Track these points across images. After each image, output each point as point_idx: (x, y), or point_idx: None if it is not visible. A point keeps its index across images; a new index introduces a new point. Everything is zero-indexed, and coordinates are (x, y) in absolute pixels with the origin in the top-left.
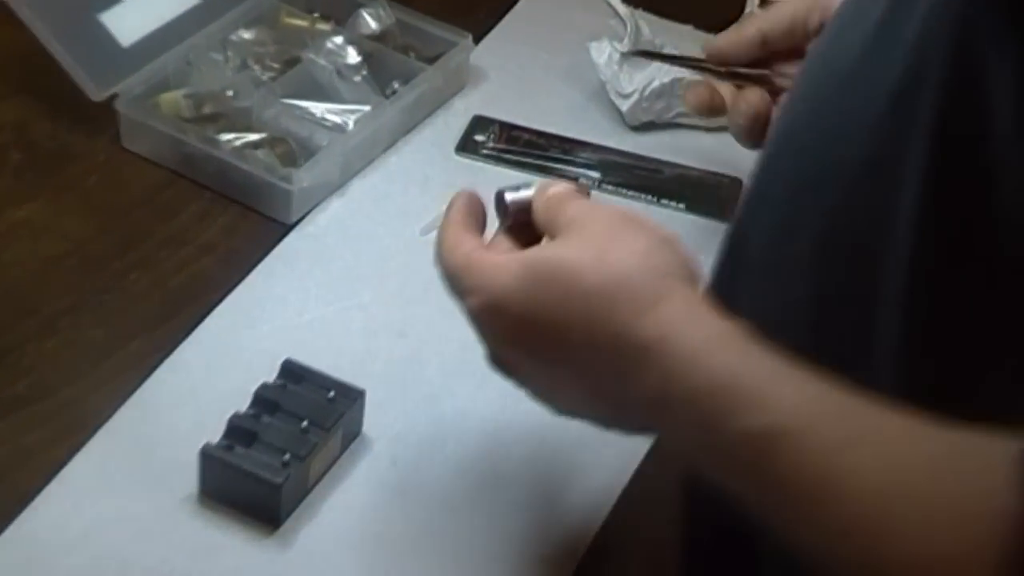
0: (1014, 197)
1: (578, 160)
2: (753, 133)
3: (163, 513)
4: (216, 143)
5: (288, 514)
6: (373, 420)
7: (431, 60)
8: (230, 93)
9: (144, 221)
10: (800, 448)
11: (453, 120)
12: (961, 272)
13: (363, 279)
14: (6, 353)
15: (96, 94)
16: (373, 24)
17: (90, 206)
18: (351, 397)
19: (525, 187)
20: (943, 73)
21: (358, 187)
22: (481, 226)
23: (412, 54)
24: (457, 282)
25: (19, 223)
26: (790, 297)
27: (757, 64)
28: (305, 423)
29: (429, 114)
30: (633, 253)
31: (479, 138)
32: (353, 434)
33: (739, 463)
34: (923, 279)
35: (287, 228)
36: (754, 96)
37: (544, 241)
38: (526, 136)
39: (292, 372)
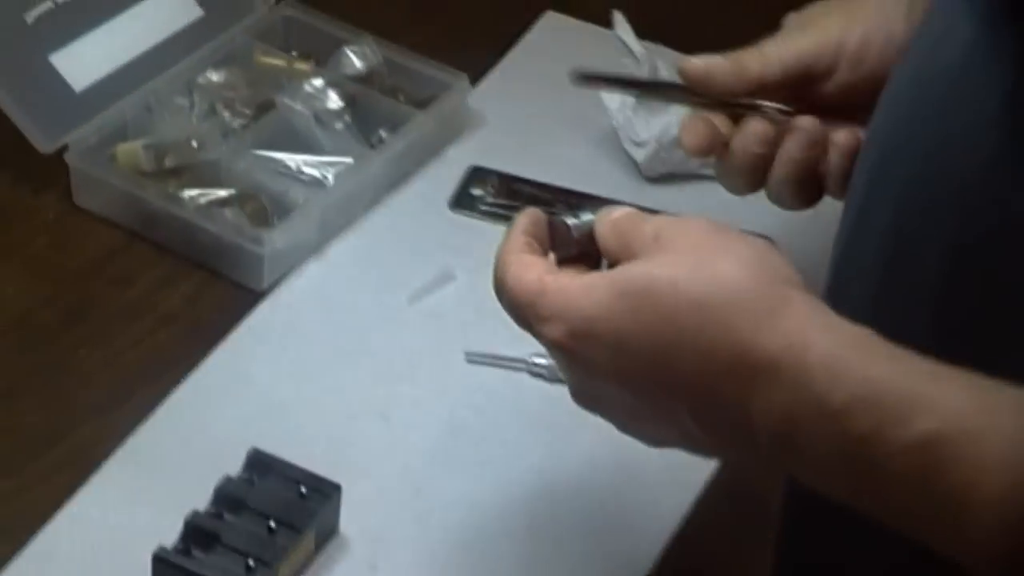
0: None
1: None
2: (757, 172)
3: None
4: (179, 200)
5: None
6: (351, 517)
7: (422, 104)
8: (195, 143)
9: (97, 289)
10: (979, 453)
11: (447, 172)
12: None
13: (342, 355)
14: None
15: (44, 145)
16: (358, 63)
17: (35, 271)
18: (325, 492)
19: (574, 216)
20: None
21: (339, 249)
22: (545, 249)
23: (401, 97)
24: (531, 310)
25: None
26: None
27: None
28: (273, 523)
29: (420, 165)
30: (739, 260)
31: (476, 192)
32: (328, 533)
33: (899, 481)
34: None
35: (258, 296)
36: (761, 127)
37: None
38: (529, 190)
39: (259, 463)
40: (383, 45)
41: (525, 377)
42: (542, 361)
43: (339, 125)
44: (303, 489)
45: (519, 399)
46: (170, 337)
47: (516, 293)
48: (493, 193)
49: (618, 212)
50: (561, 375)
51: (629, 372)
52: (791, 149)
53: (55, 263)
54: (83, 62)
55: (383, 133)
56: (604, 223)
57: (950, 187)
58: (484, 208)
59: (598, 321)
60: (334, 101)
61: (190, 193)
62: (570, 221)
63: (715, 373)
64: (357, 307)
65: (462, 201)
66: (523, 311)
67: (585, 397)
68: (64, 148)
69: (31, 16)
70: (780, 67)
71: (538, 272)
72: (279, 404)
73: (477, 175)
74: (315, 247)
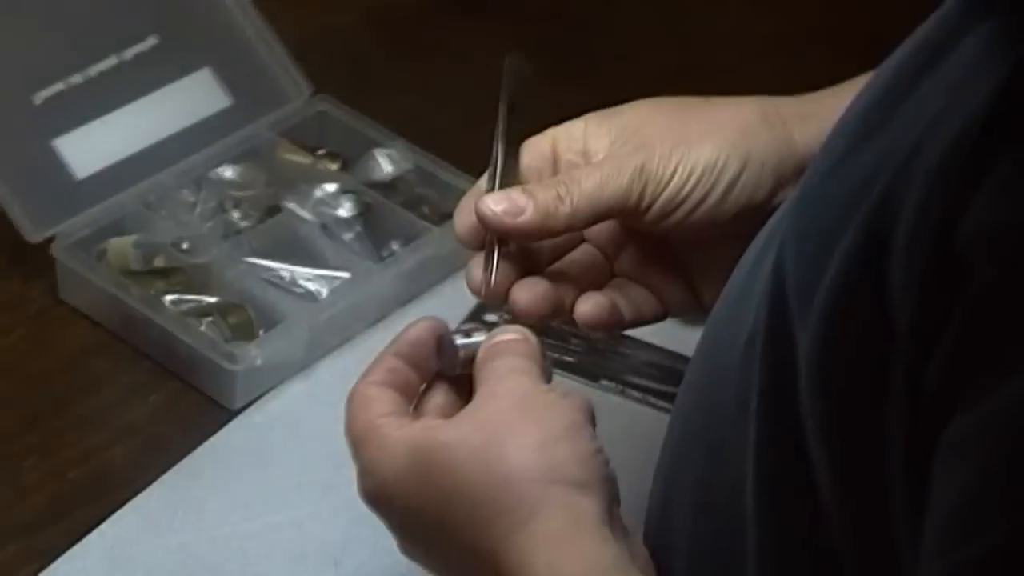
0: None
1: (619, 358)
2: None
3: None
4: (158, 305)
5: None
6: None
7: (445, 218)
8: (186, 245)
9: (62, 393)
10: None
11: (462, 293)
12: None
13: (305, 488)
14: None
15: (32, 234)
16: (386, 168)
17: (3, 369)
18: None
19: (466, 336)
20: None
21: (328, 369)
22: (421, 373)
23: (425, 208)
24: (354, 455)
25: None
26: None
27: None
28: None
29: (435, 283)
30: (523, 448)
31: (491, 318)
32: None
33: None
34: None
35: (231, 414)
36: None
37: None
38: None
39: None
40: (416, 151)
41: None
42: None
43: (348, 235)
44: None
45: None
46: (124, 453)
47: (347, 431)
48: (508, 320)
49: (499, 337)
50: None
51: (419, 537)
52: None
53: (25, 362)
54: (90, 148)
55: (395, 246)
56: (484, 346)
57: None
58: None
59: (392, 485)
60: (347, 209)
61: (171, 298)
62: (459, 341)
63: (478, 563)
64: (333, 436)
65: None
66: (351, 451)
67: (401, 549)
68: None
69: (39, 97)
70: (590, 210)
71: (371, 415)
72: (225, 537)
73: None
74: (301, 365)
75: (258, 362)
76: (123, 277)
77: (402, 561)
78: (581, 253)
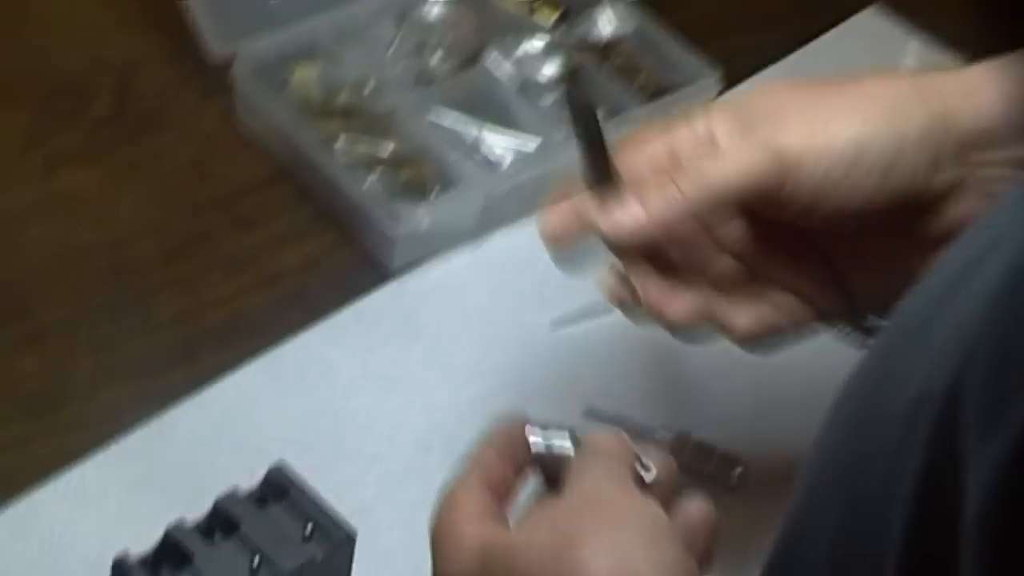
0: None
1: None
2: None
3: None
4: (328, 148)
5: None
6: (370, 565)
7: (660, 92)
8: (372, 84)
9: (215, 226)
10: None
11: None
12: None
13: (448, 371)
14: None
15: (216, 49)
16: (606, 28)
17: (161, 191)
18: (335, 539)
19: (559, 434)
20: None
21: (499, 244)
22: (515, 472)
23: (641, 78)
24: (433, 549)
25: (68, 193)
26: None
27: None
28: (258, 559)
29: None
30: (598, 553)
31: None
32: None
33: None
34: None
35: (385, 276)
36: None
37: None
38: None
39: (278, 484)
40: (641, 13)
41: None
42: (667, 438)
43: (547, 100)
44: (308, 528)
45: None
46: (265, 302)
47: (432, 524)
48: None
49: (599, 443)
50: None
51: None
52: None
53: (184, 186)
54: None
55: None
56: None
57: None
58: None
59: None
60: (551, 69)
61: (344, 143)
62: (540, 440)
63: None
64: (486, 318)
65: None
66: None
67: None
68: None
69: None
70: (715, 201)
71: (459, 515)
72: (350, 411)
73: None
74: (470, 235)
75: (424, 226)
76: (300, 111)
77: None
78: (713, 261)
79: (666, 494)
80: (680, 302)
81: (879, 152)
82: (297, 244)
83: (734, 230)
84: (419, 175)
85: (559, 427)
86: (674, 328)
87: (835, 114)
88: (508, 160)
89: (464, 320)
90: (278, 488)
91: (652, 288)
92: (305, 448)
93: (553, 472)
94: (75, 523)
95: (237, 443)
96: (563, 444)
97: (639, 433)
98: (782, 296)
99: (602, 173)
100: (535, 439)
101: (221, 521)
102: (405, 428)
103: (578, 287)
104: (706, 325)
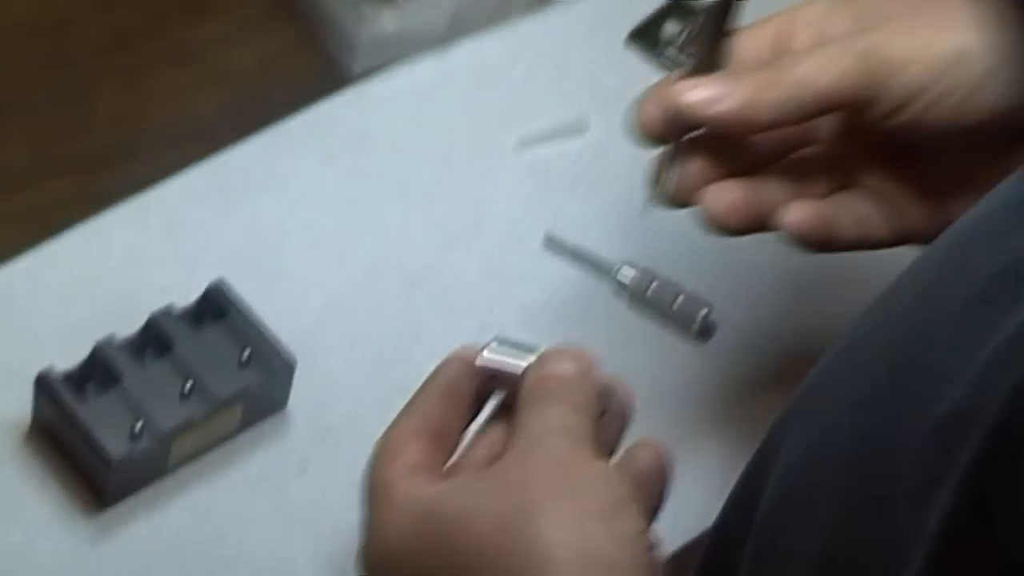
0: None
1: None
2: None
3: None
4: None
5: (125, 494)
6: (309, 397)
7: None
8: None
9: (165, 15)
10: None
11: None
12: None
13: (404, 191)
14: None
15: None
16: None
17: None
18: (272, 367)
19: (521, 350)
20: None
21: (468, 50)
22: (460, 416)
23: None
24: (365, 503)
25: None
26: None
27: None
28: (190, 384)
29: None
30: (557, 524)
31: (669, 31)
32: (265, 411)
33: None
34: None
35: (343, 81)
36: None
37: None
38: None
39: (216, 302)
40: None
41: (600, 291)
42: (629, 274)
43: None
44: (246, 353)
45: (585, 314)
46: (216, 101)
47: (369, 476)
48: (691, 40)
49: (545, 376)
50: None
51: None
52: None
53: None
54: None
55: None
56: (530, 374)
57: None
58: (669, 56)
59: (394, 555)
60: None
61: None
62: (494, 357)
63: None
64: (448, 133)
65: (645, 36)
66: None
67: None
68: None
69: None
70: (802, 99)
71: (397, 466)
72: (299, 228)
73: (678, 8)
74: (438, 41)
75: (389, 28)
76: None
77: (489, 303)
78: (799, 156)
79: (619, 432)
80: (731, 195)
81: (982, 64)
82: (252, 39)
83: (823, 123)
84: None
85: (527, 347)
86: (717, 222)
87: (942, 21)
88: None
89: (424, 134)
90: (216, 307)
91: (703, 175)
92: (247, 264)
93: (507, 396)
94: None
95: (175, 254)
96: (516, 363)
97: (599, 268)
98: (863, 204)
99: (711, 58)
100: (488, 355)
101: (154, 339)
102: (354, 249)
103: (548, 105)
104: (752, 225)
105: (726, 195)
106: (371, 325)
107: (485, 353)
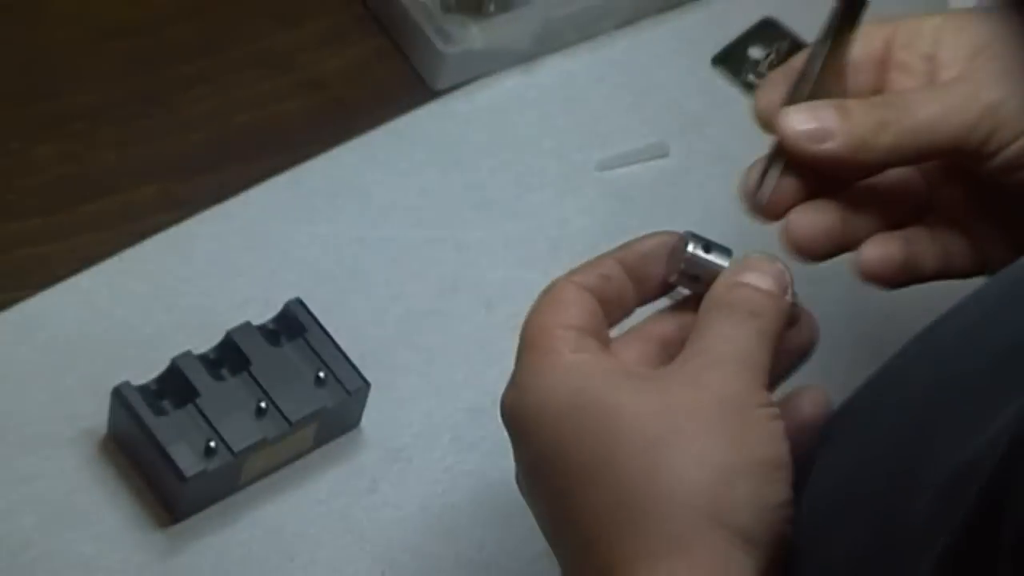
0: None
1: None
2: None
3: (57, 438)
4: None
5: (197, 509)
6: (382, 412)
7: None
8: None
9: (255, 18)
10: None
11: (730, 15)
12: None
13: (486, 205)
14: None
15: None
16: None
17: None
18: (347, 388)
19: (721, 253)
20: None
21: (553, 67)
22: (641, 292)
23: None
24: (517, 356)
25: None
26: None
27: None
28: (265, 403)
29: None
30: (701, 465)
31: (754, 54)
32: (340, 430)
33: None
34: None
35: (430, 95)
36: None
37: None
38: None
39: (294, 320)
40: None
41: None
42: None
43: None
44: (322, 373)
45: None
46: (300, 109)
47: (524, 325)
48: (775, 61)
49: (737, 282)
50: None
51: (534, 483)
52: None
53: None
54: None
55: None
56: (724, 278)
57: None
58: (754, 78)
59: (540, 414)
60: None
61: None
62: (690, 249)
63: (582, 563)
64: (530, 150)
65: (730, 59)
66: (519, 349)
67: (518, 479)
68: None
69: None
70: (918, 146)
71: (555, 321)
72: (379, 241)
73: (765, 31)
74: (524, 57)
75: (476, 44)
76: None
77: None
78: (894, 178)
79: (793, 364)
80: (815, 220)
81: None
82: (339, 48)
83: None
84: None
85: (722, 248)
86: (800, 249)
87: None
88: None
89: (507, 150)
90: (294, 325)
91: (797, 190)
92: (325, 277)
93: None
94: (79, 333)
95: (255, 265)
96: (718, 262)
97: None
98: (949, 236)
99: (825, 63)
100: (692, 250)
101: (231, 355)
102: (433, 265)
103: (631, 125)
104: (832, 253)
105: (814, 218)
106: (446, 344)
107: (690, 248)
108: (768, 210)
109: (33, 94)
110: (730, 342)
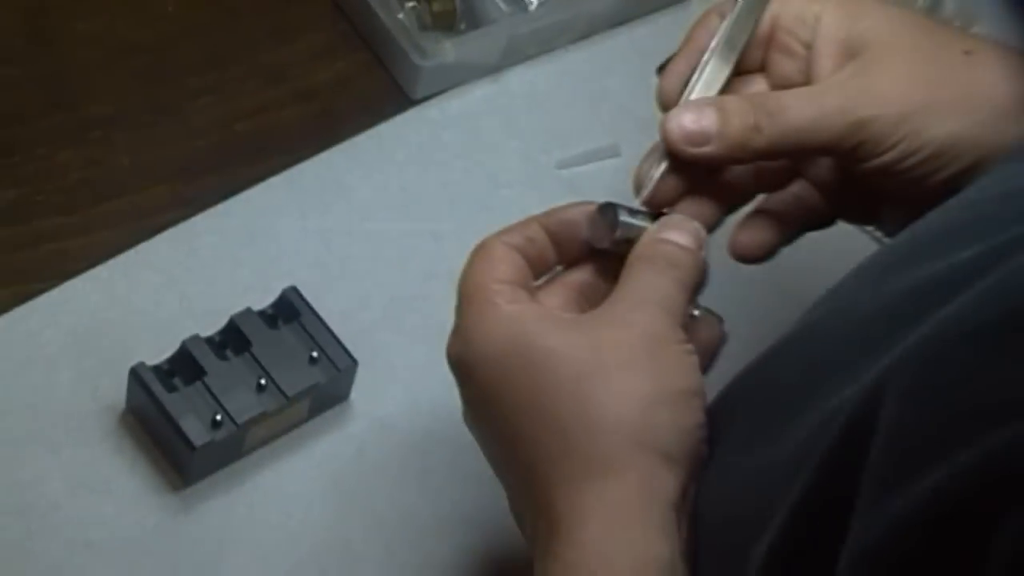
0: None
1: None
2: None
3: (81, 413)
4: None
5: (205, 475)
6: (368, 386)
7: None
8: None
9: (254, 36)
10: None
11: (675, 28)
12: None
13: (462, 200)
14: (9, 148)
15: None
16: None
17: None
18: (337, 365)
19: (642, 215)
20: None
21: (518, 76)
22: (561, 254)
23: None
24: (456, 310)
25: None
26: None
27: None
28: (265, 380)
29: (657, 8)
30: (626, 397)
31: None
32: (333, 401)
33: None
34: None
35: (409, 102)
36: None
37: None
38: None
39: (290, 306)
40: None
41: None
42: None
43: None
44: (315, 353)
45: None
46: (295, 115)
47: (460, 282)
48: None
49: (661, 239)
50: None
51: (480, 420)
52: None
53: None
54: None
55: None
56: (647, 237)
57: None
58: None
59: (481, 360)
60: None
61: None
62: (621, 217)
63: (525, 488)
64: (498, 152)
65: None
66: (458, 302)
67: (465, 418)
68: None
69: None
70: (789, 147)
71: (489, 277)
72: (356, 236)
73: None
74: (492, 69)
75: (449, 58)
76: None
77: None
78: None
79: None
80: (759, 238)
81: (963, 162)
82: (329, 62)
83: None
84: (450, 8)
85: (646, 214)
86: (747, 260)
87: (936, 109)
88: (536, 1)
89: (477, 152)
90: (290, 310)
91: (676, 186)
92: (317, 268)
93: (623, 253)
94: (99, 319)
95: (255, 257)
96: (645, 224)
97: None
98: (807, 194)
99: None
100: (624, 217)
101: (234, 338)
102: (413, 255)
103: (585, 129)
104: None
105: (755, 238)
106: (425, 325)
107: (623, 217)
108: (654, 202)
109: (57, 106)
110: (653, 288)
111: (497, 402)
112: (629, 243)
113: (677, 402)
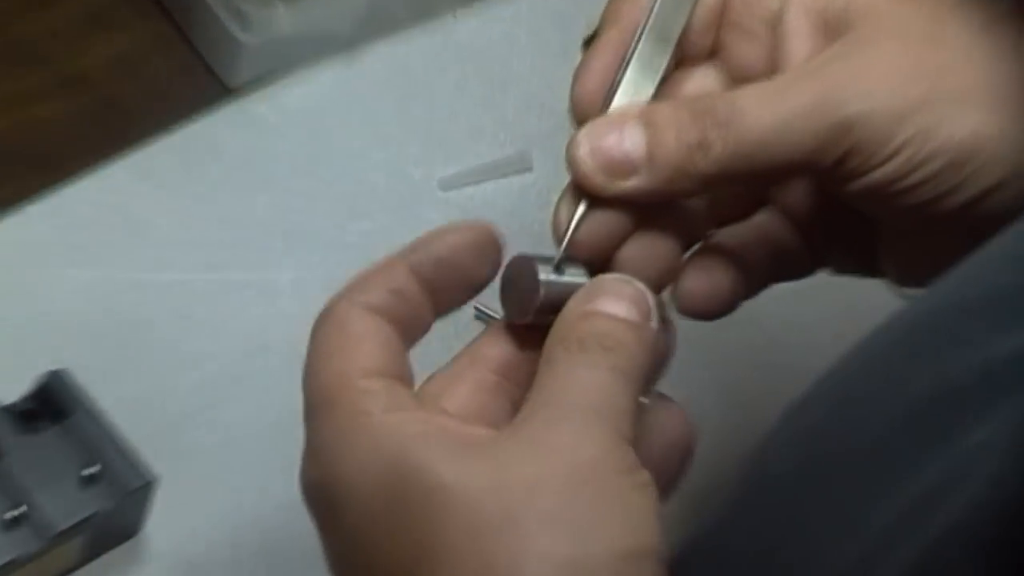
0: None
1: None
2: None
3: None
4: None
5: None
6: (168, 515)
7: None
8: None
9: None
10: None
11: None
12: None
13: (296, 236)
14: None
15: None
16: None
17: None
18: (126, 487)
19: (574, 267)
20: None
21: (382, 56)
22: (438, 307)
23: None
24: (307, 416)
25: None
26: None
27: None
28: (23, 510)
29: None
30: (542, 562)
31: None
32: (118, 537)
33: None
34: None
35: (224, 92)
36: None
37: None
38: None
39: (54, 397)
40: None
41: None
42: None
43: None
44: (91, 469)
45: None
46: (57, 114)
47: (308, 374)
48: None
49: (594, 311)
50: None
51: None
52: None
53: None
54: None
55: None
56: (574, 305)
57: None
58: None
59: (349, 493)
60: None
61: None
62: (542, 276)
63: None
64: (355, 166)
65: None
66: (305, 407)
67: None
68: None
69: None
70: (749, 169)
71: (352, 366)
72: (152, 289)
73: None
74: (344, 46)
75: (283, 30)
76: None
77: None
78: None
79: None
80: (646, 253)
81: (979, 160)
82: (105, 35)
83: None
84: None
85: (572, 263)
86: (695, 313)
87: (945, 100)
88: None
89: (326, 166)
90: (55, 404)
91: (605, 233)
92: (95, 336)
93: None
94: None
95: (8, 315)
96: (579, 280)
97: None
98: (776, 229)
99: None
100: (545, 276)
101: None
102: (234, 317)
103: (481, 132)
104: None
105: (703, 284)
106: (253, 420)
107: (542, 276)
108: (581, 254)
109: None
110: (581, 389)
111: (371, 555)
112: (559, 310)
113: (617, 570)
